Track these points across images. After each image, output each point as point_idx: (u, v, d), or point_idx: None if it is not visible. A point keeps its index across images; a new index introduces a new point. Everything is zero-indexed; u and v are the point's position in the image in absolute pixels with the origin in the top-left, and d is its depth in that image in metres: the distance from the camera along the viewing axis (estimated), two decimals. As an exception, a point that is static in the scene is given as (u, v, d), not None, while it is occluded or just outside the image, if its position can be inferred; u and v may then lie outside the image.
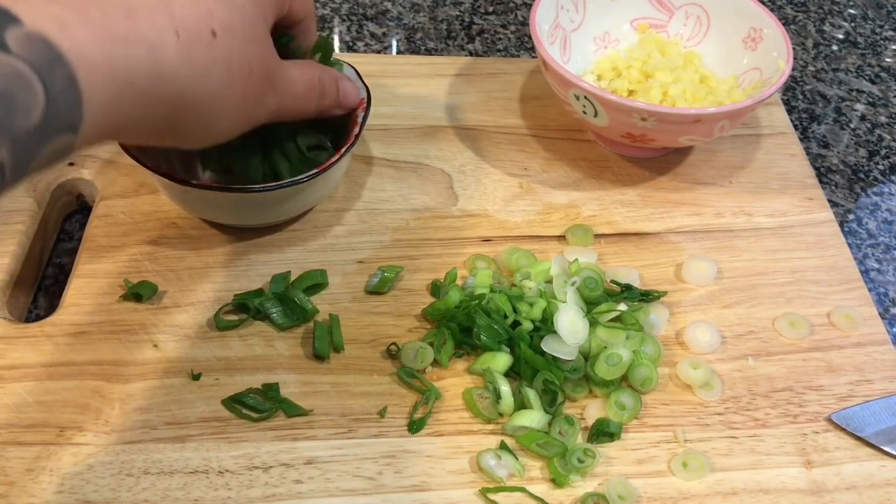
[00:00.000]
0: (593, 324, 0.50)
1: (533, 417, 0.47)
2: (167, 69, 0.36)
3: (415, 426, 0.47)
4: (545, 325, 0.50)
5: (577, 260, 0.54)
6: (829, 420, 0.50)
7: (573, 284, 0.52)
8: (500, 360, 0.49)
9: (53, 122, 0.31)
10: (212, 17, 0.38)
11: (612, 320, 0.51)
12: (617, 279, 0.54)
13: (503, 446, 0.47)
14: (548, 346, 0.49)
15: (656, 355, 0.51)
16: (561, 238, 0.59)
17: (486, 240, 0.58)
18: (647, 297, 0.54)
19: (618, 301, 0.52)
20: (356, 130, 0.53)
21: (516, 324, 0.51)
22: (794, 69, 0.79)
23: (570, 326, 0.49)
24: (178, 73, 0.36)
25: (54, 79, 0.31)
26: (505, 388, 0.48)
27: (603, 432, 0.47)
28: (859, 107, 0.76)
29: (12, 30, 0.30)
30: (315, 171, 0.50)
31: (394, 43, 0.78)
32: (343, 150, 0.52)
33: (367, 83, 0.55)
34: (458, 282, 0.54)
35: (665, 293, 0.55)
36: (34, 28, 0.31)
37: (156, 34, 0.35)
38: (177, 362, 0.49)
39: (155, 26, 0.35)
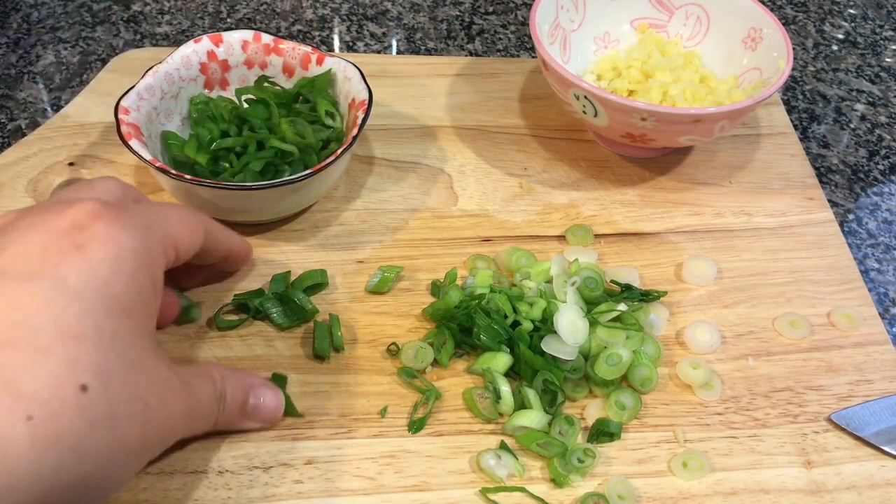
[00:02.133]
0: (593, 324, 0.50)
1: (533, 417, 0.47)
2: (21, 466, 0.28)
3: (415, 426, 0.47)
4: (545, 325, 0.50)
5: (577, 260, 0.54)
6: (829, 420, 0.50)
7: (573, 284, 0.52)
8: (500, 360, 0.49)
9: None
10: (76, 366, 0.30)
11: (612, 320, 0.51)
12: (617, 279, 0.54)
13: (503, 446, 0.47)
14: (548, 346, 0.49)
15: (656, 355, 0.51)
16: (561, 238, 0.59)
17: (486, 240, 0.58)
18: (647, 297, 0.54)
19: (618, 301, 0.52)
20: (355, 131, 0.53)
21: (516, 324, 0.51)
22: (794, 69, 0.79)
23: (570, 326, 0.49)
24: (40, 463, 0.28)
25: None
26: (505, 388, 0.48)
27: (603, 432, 0.47)
28: (859, 107, 0.76)
29: None
30: (312, 170, 0.50)
31: (394, 43, 0.78)
32: (341, 150, 0.52)
33: (368, 84, 0.55)
34: (458, 282, 0.54)
35: (665, 293, 0.55)
36: None
37: None
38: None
39: None
